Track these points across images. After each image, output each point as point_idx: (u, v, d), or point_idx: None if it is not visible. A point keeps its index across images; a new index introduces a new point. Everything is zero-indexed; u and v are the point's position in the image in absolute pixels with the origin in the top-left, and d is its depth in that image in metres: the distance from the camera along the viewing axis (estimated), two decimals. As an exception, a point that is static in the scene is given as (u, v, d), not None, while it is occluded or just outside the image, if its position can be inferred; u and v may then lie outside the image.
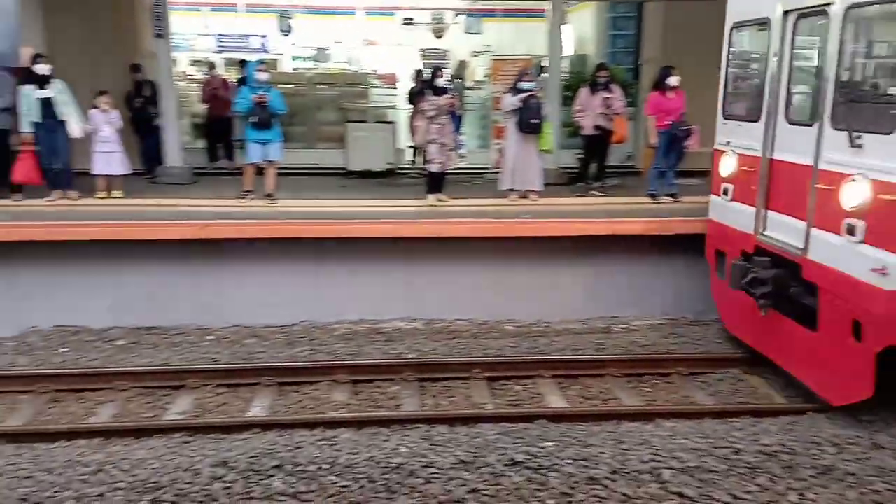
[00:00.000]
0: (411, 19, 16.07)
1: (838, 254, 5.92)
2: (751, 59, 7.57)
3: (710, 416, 6.44)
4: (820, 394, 6.50)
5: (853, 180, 5.68)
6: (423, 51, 15.97)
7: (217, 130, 13.11)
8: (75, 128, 9.37)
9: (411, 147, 12.80)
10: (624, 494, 5.22)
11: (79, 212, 9.00)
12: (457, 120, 10.83)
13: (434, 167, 9.69)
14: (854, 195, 5.67)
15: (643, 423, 6.33)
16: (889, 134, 5.42)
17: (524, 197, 10.04)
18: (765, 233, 7.00)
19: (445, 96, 9.55)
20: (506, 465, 5.52)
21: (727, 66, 7.83)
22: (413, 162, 12.92)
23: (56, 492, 5.15)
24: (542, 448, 5.75)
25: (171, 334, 8.51)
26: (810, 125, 6.30)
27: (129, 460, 5.58)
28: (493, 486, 5.28)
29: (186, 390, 7.09)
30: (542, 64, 13.19)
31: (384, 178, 12.35)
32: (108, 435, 6.14)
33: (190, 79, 14.96)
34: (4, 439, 6.06)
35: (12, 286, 8.47)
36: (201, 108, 13.36)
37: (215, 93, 12.84)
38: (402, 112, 13.78)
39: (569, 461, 5.54)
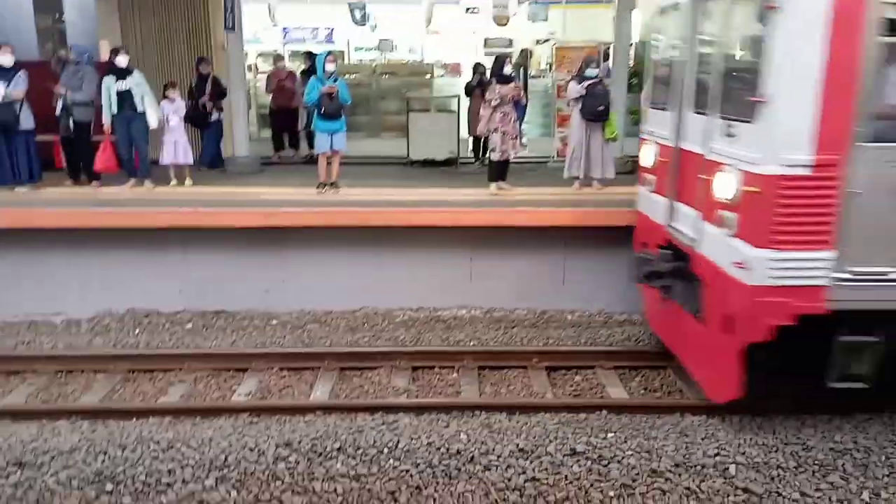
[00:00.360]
0: (475, 8, 16.01)
1: (715, 246, 5.68)
2: (668, 46, 7.26)
3: (780, 412, 6.22)
4: (705, 391, 6.24)
5: (724, 171, 5.45)
6: (487, 39, 15.90)
7: (282, 121, 13.36)
8: (153, 118, 9.72)
9: (473, 137, 12.77)
10: (687, 488, 5.12)
11: (152, 199, 9.33)
12: (521, 109, 10.74)
13: (496, 156, 9.64)
14: (724, 186, 5.44)
15: (707, 416, 6.17)
16: (750, 122, 5.14)
17: (588, 185, 9.90)
18: (673, 224, 6.66)
19: (510, 85, 9.48)
20: (565, 455, 5.47)
21: (652, 53, 7.51)
22: (475, 153, 12.89)
23: (129, 467, 5.36)
24: (604, 439, 5.67)
25: (237, 318, 8.74)
26: (706, 114, 6.03)
27: (198, 439, 5.75)
28: (553, 476, 5.24)
29: (252, 373, 7.28)
30: (608, 51, 12.96)
31: (446, 167, 12.37)
32: (178, 414, 6.36)
33: (258, 70, 15.30)
34: (80, 416, 6.36)
35: (89, 270, 8.83)
36: (267, 99, 13.63)
37: (282, 84, 13.08)
38: (465, 101, 13.76)
39: (631, 452, 5.45)
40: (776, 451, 5.50)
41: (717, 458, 5.39)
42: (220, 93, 11.65)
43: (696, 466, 5.31)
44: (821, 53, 4.77)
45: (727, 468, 5.29)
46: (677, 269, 6.41)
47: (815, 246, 5.05)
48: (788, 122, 4.91)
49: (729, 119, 5.55)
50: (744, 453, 5.46)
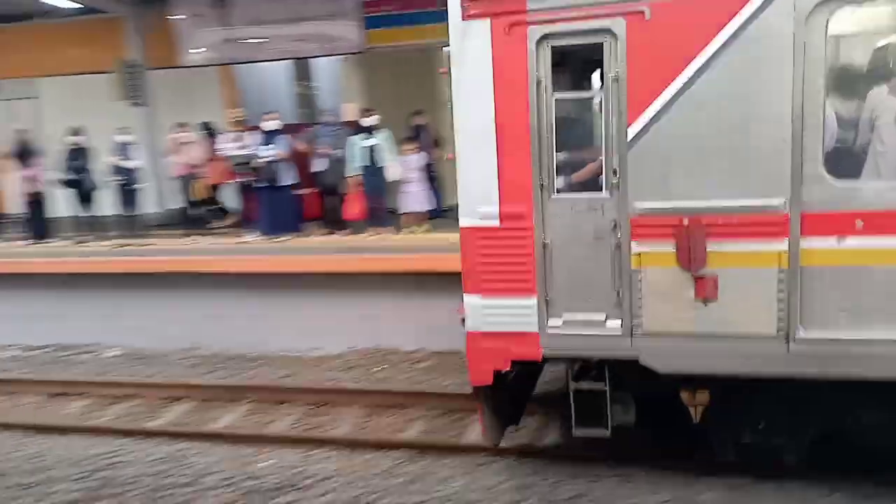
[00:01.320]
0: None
1: None
2: None
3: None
4: None
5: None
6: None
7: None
8: (395, 171, 10.58)
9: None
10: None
11: (391, 246, 10.06)
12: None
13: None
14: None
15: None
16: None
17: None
18: None
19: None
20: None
21: None
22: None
23: (378, 496, 5.78)
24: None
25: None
26: None
27: (437, 476, 6.05)
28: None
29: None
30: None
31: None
32: (419, 448, 6.69)
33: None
34: (330, 446, 6.85)
35: (339, 310, 9.71)
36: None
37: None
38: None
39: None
40: None
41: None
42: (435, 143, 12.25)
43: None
44: (490, 112, 4.98)
45: None
46: None
47: (520, 293, 5.17)
48: (474, 177, 5.13)
49: None
50: None
